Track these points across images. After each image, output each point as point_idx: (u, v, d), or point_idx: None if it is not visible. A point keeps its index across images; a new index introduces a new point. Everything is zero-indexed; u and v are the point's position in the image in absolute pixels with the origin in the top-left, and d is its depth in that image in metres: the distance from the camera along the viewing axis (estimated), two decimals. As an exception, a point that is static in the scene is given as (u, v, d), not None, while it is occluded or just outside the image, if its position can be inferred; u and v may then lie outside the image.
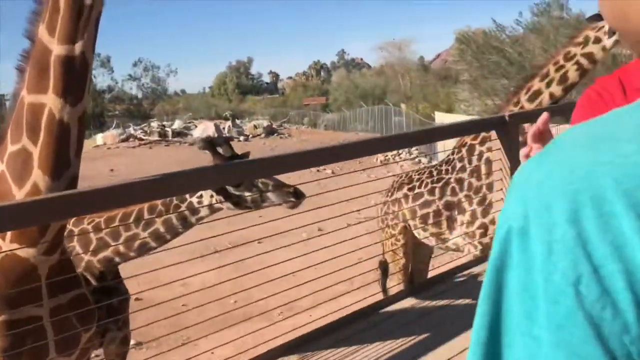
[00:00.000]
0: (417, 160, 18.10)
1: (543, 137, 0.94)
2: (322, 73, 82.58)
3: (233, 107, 50.70)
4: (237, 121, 31.75)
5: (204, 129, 24.21)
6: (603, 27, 3.52)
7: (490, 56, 17.04)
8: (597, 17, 3.53)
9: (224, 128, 26.11)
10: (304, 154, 2.78)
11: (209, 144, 2.74)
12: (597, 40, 3.57)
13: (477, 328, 0.41)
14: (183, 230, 2.85)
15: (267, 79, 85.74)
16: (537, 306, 0.37)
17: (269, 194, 2.68)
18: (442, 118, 18.85)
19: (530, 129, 0.92)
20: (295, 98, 58.96)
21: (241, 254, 3.48)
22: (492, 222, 4.01)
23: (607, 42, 3.55)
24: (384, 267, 4.75)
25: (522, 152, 0.96)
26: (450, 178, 4.15)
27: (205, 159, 2.83)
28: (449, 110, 22.41)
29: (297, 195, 2.71)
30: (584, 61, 3.66)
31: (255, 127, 28.14)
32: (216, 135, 20.71)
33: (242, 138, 24.92)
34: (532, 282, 0.38)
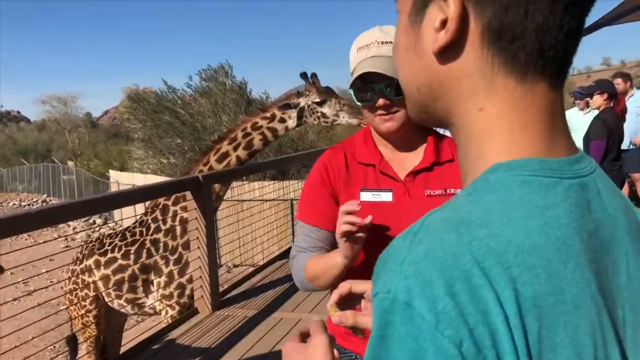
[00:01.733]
0: (91, 221, 17.04)
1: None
2: (-32, 126, 71.79)
3: None
4: None
5: None
6: (290, 114, 4.01)
7: (164, 116, 17.40)
8: (287, 107, 4.01)
9: None
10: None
11: None
12: (283, 121, 4.05)
13: None
14: None
15: None
16: None
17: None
18: (118, 176, 18.28)
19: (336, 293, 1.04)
20: None
21: None
22: (189, 281, 4.04)
23: (291, 124, 4.06)
24: (72, 343, 4.28)
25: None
26: (145, 240, 4.05)
27: None
28: (123, 168, 21.87)
29: None
30: (268, 133, 4.09)
31: None
32: None
33: None
34: (420, 348, 0.43)
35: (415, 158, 1.48)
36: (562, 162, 0.53)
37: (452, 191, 1.42)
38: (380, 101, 1.38)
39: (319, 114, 4.00)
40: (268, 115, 4.08)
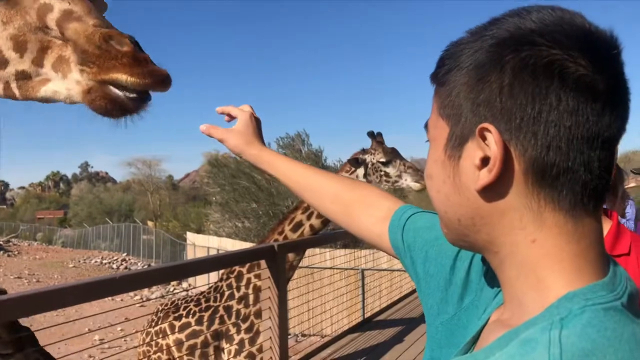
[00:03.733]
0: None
1: None
2: (61, 185, 76.99)
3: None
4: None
5: None
6: (358, 173, 4.07)
7: (241, 181, 17.94)
8: (355, 162, 4.06)
9: None
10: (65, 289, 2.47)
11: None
12: None
13: None
14: None
15: (-10, 187, 76.79)
16: None
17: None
18: (194, 238, 18.82)
19: None
20: (27, 210, 53.30)
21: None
22: (260, 350, 4.02)
23: None
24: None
25: None
26: (218, 306, 4.10)
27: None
28: (200, 230, 22.53)
29: None
30: None
31: (-25, 242, 24.34)
32: None
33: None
34: None
35: None
36: (611, 283, 0.55)
37: None
38: None
39: (382, 173, 4.04)
40: None
